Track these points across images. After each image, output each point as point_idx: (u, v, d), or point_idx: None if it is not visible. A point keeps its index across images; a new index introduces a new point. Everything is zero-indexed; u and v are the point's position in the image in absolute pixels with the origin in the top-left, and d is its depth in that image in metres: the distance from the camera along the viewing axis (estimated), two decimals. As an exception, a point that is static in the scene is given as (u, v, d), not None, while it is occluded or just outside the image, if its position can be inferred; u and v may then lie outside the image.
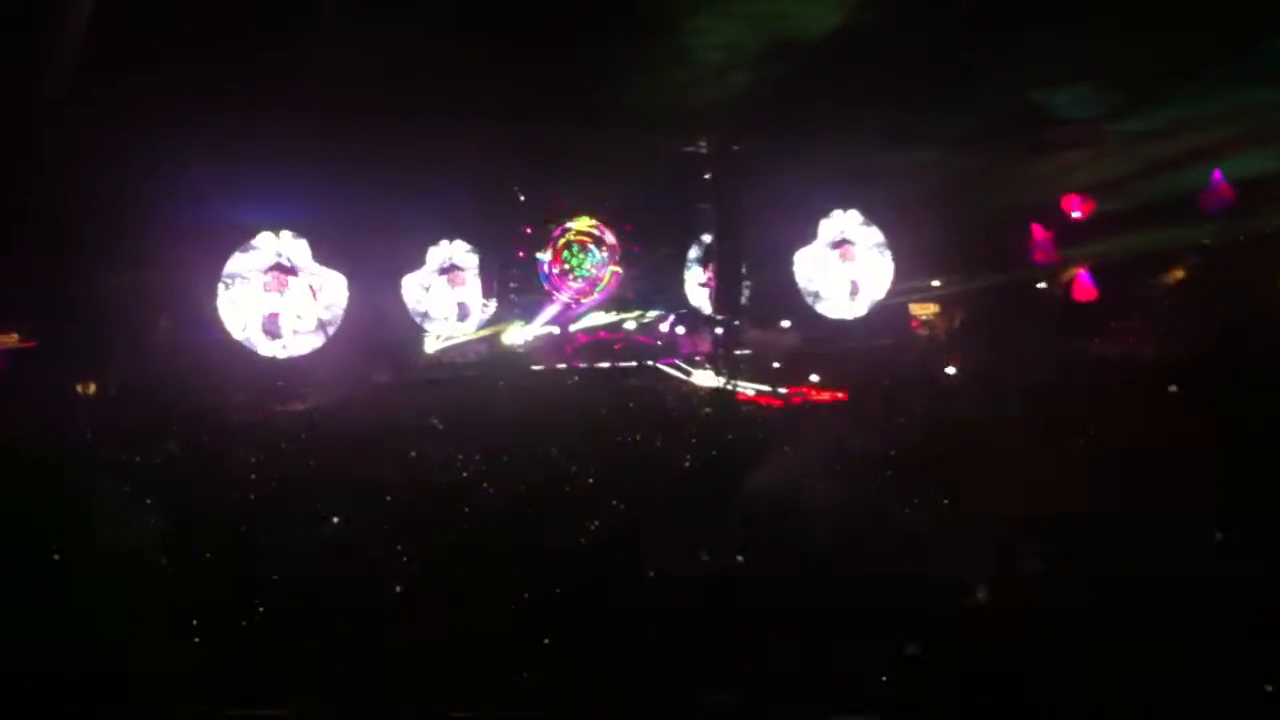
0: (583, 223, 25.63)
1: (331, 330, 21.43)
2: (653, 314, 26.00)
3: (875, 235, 24.99)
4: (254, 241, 21.03)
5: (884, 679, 5.31)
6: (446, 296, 23.74)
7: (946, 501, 9.38)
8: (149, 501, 10.19)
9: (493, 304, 24.59)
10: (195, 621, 6.64)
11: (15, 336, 19.61)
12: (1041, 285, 24.30)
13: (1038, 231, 23.73)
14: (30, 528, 8.65)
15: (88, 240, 18.43)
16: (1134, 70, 19.31)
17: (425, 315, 23.49)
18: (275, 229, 21.23)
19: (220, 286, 20.72)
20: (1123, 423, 12.00)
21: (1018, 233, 23.95)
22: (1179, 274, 22.69)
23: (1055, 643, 5.68)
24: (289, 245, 21.30)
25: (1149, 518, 7.83)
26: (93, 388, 20.22)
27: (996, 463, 10.51)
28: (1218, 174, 22.01)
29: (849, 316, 25.22)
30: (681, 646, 5.93)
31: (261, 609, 7.15)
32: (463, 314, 24.02)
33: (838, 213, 24.96)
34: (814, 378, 21.39)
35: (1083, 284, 23.53)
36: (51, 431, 15.17)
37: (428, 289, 23.51)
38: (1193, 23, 17.34)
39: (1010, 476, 9.39)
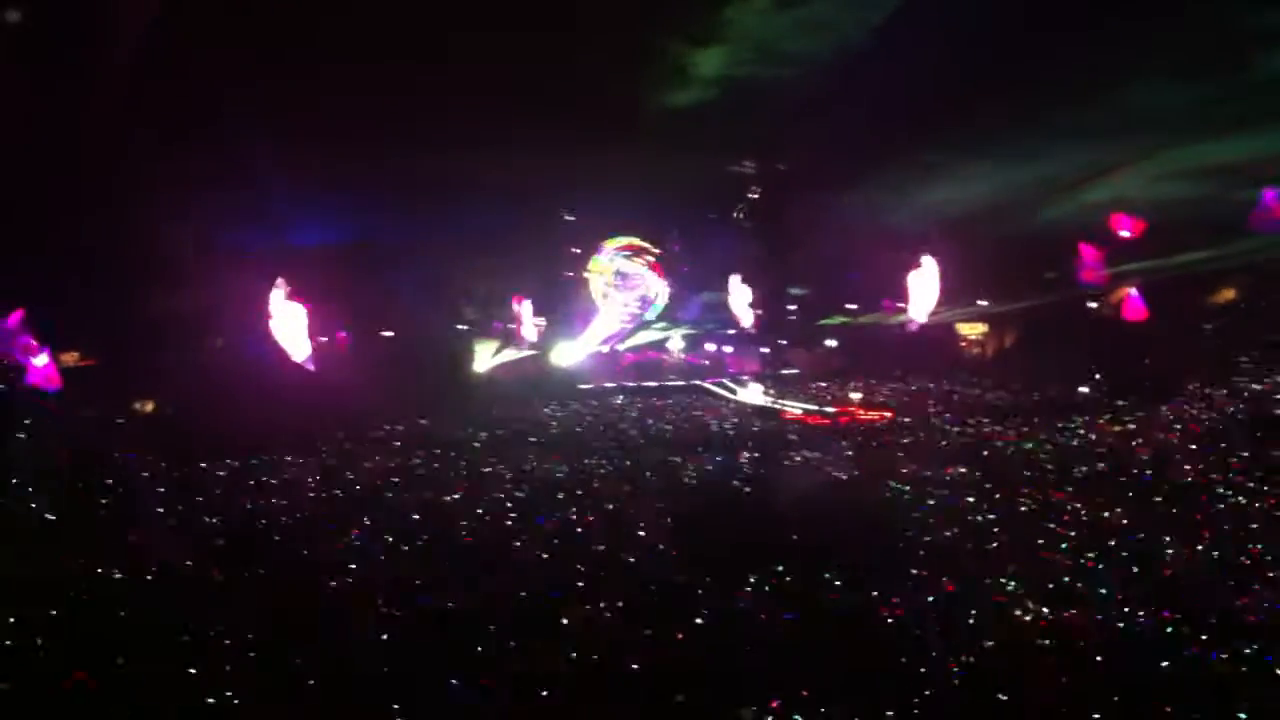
0: (630, 241, 25.79)
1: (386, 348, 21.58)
2: (700, 332, 26.12)
3: (922, 252, 24.96)
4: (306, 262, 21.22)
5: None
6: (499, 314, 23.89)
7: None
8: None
9: (543, 322, 24.86)
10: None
11: (76, 355, 19.74)
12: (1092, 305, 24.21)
13: (1087, 252, 23.57)
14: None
15: (142, 266, 18.66)
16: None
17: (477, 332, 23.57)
18: (325, 252, 21.35)
19: (272, 305, 20.84)
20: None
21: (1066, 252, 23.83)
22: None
23: None
24: (341, 266, 21.46)
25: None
26: (150, 405, 20.19)
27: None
28: (1270, 193, 21.88)
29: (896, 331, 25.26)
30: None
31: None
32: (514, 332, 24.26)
33: (883, 229, 24.96)
34: (856, 396, 21.40)
35: (1133, 304, 23.38)
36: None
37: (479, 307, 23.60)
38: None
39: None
